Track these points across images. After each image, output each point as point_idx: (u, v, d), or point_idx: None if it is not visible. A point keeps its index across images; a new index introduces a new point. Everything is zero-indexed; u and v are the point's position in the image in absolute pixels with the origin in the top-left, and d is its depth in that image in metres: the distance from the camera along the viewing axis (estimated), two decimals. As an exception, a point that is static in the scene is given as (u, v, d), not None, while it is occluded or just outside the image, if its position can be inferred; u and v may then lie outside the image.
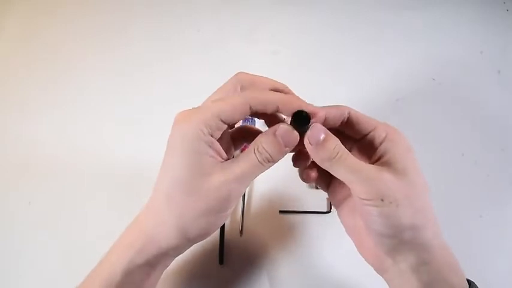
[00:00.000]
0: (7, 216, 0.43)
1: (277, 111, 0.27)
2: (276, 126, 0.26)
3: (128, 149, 0.46)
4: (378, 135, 0.28)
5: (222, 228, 0.41)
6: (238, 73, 0.28)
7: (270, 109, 0.27)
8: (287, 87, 0.29)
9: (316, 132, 0.26)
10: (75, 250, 0.29)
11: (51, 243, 0.42)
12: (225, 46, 0.54)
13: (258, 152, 0.26)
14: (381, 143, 0.27)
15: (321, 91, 0.51)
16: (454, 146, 0.47)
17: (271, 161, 0.27)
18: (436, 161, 0.45)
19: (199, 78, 0.51)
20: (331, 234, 0.42)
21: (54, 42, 0.55)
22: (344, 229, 0.31)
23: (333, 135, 0.27)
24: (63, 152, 0.47)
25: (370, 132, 0.28)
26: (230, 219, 0.43)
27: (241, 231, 0.42)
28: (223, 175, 0.26)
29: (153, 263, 0.28)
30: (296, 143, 0.27)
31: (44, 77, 0.52)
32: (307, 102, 0.27)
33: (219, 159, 0.27)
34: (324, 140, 0.26)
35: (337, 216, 0.45)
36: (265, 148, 0.26)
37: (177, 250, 0.28)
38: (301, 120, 0.26)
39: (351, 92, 0.51)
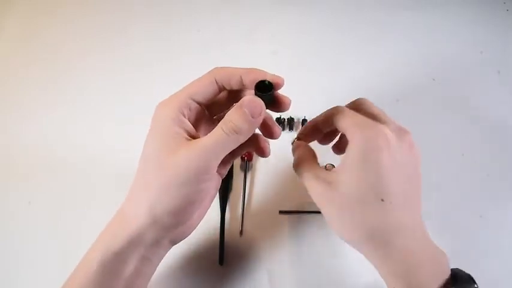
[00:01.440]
0: (7, 216, 0.43)
1: (242, 83, 0.29)
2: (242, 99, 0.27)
3: (128, 148, 0.46)
4: (348, 135, 0.29)
5: (222, 228, 0.41)
6: (215, 67, 0.30)
7: (234, 81, 0.29)
8: (261, 70, 0.29)
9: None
10: (75, 250, 0.29)
11: (51, 243, 0.42)
12: (225, 46, 0.54)
13: (223, 123, 0.27)
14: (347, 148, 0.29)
15: (321, 91, 0.51)
16: (454, 146, 0.47)
17: (238, 131, 0.26)
18: (436, 161, 0.45)
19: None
20: (331, 234, 0.42)
21: (54, 42, 0.55)
22: None
23: (301, 145, 0.33)
24: (63, 151, 0.47)
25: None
26: (230, 220, 0.43)
27: (241, 232, 0.42)
28: (186, 150, 0.26)
29: (128, 250, 0.27)
30: (261, 112, 0.27)
31: (44, 77, 0.52)
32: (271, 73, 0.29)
33: (188, 137, 0.27)
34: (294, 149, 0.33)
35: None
36: (231, 119, 0.26)
37: (149, 234, 0.27)
38: (263, 87, 0.27)
39: (351, 92, 0.51)
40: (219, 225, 0.41)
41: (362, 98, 0.32)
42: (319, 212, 0.43)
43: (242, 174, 0.45)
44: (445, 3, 0.58)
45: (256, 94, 0.27)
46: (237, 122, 0.26)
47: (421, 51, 0.54)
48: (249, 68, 0.29)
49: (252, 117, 0.26)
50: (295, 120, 0.48)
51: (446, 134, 0.48)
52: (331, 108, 0.31)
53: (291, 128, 0.48)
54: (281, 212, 0.43)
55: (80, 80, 0.52)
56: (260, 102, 0.27)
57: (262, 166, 0.46)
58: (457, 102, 0.50)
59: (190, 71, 0.52)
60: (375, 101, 0.50)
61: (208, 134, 0.27)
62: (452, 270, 0.28)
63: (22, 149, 0.47)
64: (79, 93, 0.51)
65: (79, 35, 0.55)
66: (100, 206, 0.43)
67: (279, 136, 0.31)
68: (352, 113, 0.30)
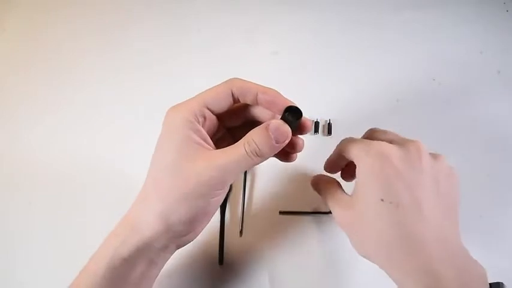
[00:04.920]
0: (7, 216, 0.43)
1: (257, 101, 0.28)
2: (269, 121, 0.27)
3: (128, 149, 0.47)
4: (355, 161, 0.30)
5: (222, 228, 0.41)
6: (231, 78, 0.29)
7: (249, 96, 0.28)
8: (277, 92, 0.29)
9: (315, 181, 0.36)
10: (75, 250, 0.29)
11: (51, 243, 0.42)
12: (225, 46, 0.54)
13: (247, 143, 0.26)
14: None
15: (321, 91, 0.51)
16: (454, 146, 0.47)
17: (260, 155, 0.26)
18: (436, 161, 0.45)
19: (199, 78, 0.51)
20: (331, 235, 0.42)
21: (54, 42, 0.55)
22: None
23: (327, 181, 0.35)
24: (63, 151, 0.47)
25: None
26: (230, 220, 0.43)
27: (241, 232, 0.42)
28: (207, 161, 0.26)
29: (137, 255, 0.27)
30: (287, 139, 0.27)
31: (44, 78, 0.52)
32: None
33: (206, 146, 0.27)
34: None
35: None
36: (255, 140, 0.26)
37: (159, 241, 0.27)
38: (293, 113, 0.27)
39: (351, 92, 0.51)
40: (219, 225, 0.41)
41: (372, 128, 0.34)
42: (319, 213, 0.43)
43: (242, 174, 0.45)
44: (445, 3, 0.58)
45: (283, 118, 0.27)
46: (260, 145, 0.26)
47: (421, 51, 0.54)
48: (267, 88, 0.28)
49: (277, 143, 0.26)
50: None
51: (446, 134, 0.48)
52: (341, 140, 0.33)
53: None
54: (281, 213, 0.43)
55: (80, 80, 0.52)
56: (287, 129, 0.27)
57: (262, 166, 0.46)
58: (457, 102, 0.50)
59: (191, 71, 0.52)
60: (376, 101, 0.51)
61: (230, 149, 0.27)
62: (491, 286, 0.26)
63: (22, 149, 0.47)
64: (79, 94, 0.51)
65: (79, 35, 0.55)
66: (100, 206, 0.44)
67: (293, 160, 0.32)
68: (358, 140, 0.31)
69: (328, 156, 0.36)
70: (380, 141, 0.29)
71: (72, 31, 0.56)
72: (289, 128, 0.27)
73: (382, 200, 0.27)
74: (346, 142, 0.31)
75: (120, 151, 0.46)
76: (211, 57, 0.53)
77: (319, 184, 0.36)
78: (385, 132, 0.32)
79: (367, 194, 0.28)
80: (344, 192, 0.33)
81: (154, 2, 0.58)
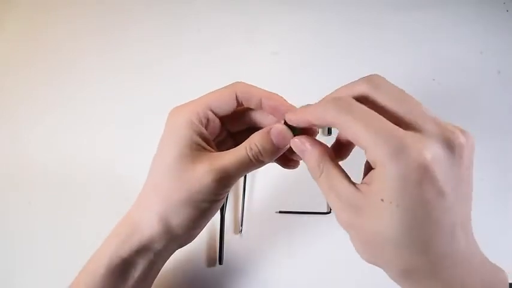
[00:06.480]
0: (7, 216, 0.43)
1: (261, 106, 0.28)
2: (271, 125, 0.27)
3: (128, 149, 0.47)
4: (369, 159, 0.22)
5: (222, 228, 0.41)
6: (236, 82, 0.29)
7: (254, 101, 0.28)
8: (282, 98, 0.29)
9: (300, 144, 0.25)
10: (75, 250, 0.29)
11: (51, 243, 0.42)
12: (225, 46, 0.54)
13: (249, 147, 0.26)
14: (370, 168, 0.22)
15: (321, 91, 0.51)
16: (454, 146, 0.47)
17: (261, 158, 0.27)
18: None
19: (200, 78, 0.51)
20: (330, 235, 0.42)
21: (54, 42, 0.55)
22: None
23: (318, 147, 0.25)
24: (63, 151, 0.47)
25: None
26: (229, 219, 0.43)
27: (240, 231, 0.42)
28: (208, 164, 0.26)
29: (137, 256, 0.27)
30: (288, 143, 0.27)
31: (44, 78, 0.52)
32: (294, 106, 0.28)
33: (208, 149, 0.27)
34: (308, 154, 0.25)
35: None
36: (257, 144, 0.26)
37: (159, 242, 0.27)
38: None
39: (351, 92, 0.51)
40: (218, 225, 0.41)
41: (375, 77, 0.25)
42: (318, 213, 0.43)
43: (242, 174, 0.45)
44: (445, 3, 0.58)
45: (286, 123, 0.27)
46: (263, 148, 0.26)
47: (421, 51, 0.54)
48: (271, 93, 0.28)
49: (278, 147, 0.26)
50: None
51: (446, 134, 0.48)
52: (329, 106, 0.23)
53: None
54: (280, 212, 0.43)
55: (79, 80, 0.52)
56: (289, 134, 0.27)
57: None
58: (456, 102, 0.50)
59: (191, 71, 0.52)
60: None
61: (232, 152, 0.27)
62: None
63: (22, 149, 0.47)
64: (79, 94, 0.51)
65: (79, 35, 0.55)
66: (100, 206, 0.44)
67: (296, 167, 0.31)
68: (366, 115, 0.21)
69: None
70: (421, 144, 0.20)
71: (72, 31, 0.56)
72: (291, 133, 0.27)
73: (409, 226, 0.21)
74: (350, 115, 0.21)
75: (120, 151, 0.46)
76: (211, 57, 0.53)
77: (309, 151, 0.25)
78: (403, 105, 0.23)
79: (389, 210, 0.21)
80: (347, 178, 0.24)
81: (154, 2, 0.58)
